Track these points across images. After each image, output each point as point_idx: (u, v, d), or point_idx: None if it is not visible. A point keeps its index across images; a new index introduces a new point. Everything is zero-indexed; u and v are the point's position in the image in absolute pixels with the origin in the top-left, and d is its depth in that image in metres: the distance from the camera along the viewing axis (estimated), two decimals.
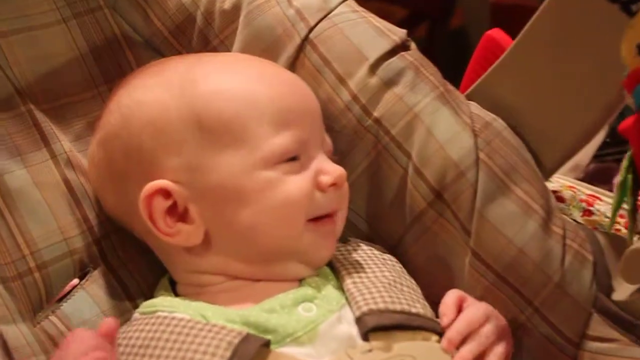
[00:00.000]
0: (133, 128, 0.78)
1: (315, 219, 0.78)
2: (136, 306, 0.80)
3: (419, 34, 2.23)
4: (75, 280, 0.83)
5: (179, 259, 0.79)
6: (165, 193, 0.76)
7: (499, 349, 0.75)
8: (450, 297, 0.78)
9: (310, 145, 0.78)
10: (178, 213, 0.77)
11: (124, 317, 0.80)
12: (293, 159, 0.77)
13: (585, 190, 1.01)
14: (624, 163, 0.68)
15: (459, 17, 2.32)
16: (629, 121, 0.63)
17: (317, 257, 0.78)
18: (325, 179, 0.77)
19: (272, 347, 0.71)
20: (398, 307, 0.75)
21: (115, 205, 0.82)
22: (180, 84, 0.78)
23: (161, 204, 0.76)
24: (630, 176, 0.67)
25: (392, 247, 0.86)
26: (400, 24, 0.89)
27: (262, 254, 0.77)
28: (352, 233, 0.86)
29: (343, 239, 0.84)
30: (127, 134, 0.78)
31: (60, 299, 0.81)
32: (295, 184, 0.76)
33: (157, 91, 0.79)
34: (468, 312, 0.77)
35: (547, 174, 0.87)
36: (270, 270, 0.77)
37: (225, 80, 0.79)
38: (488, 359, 0.74)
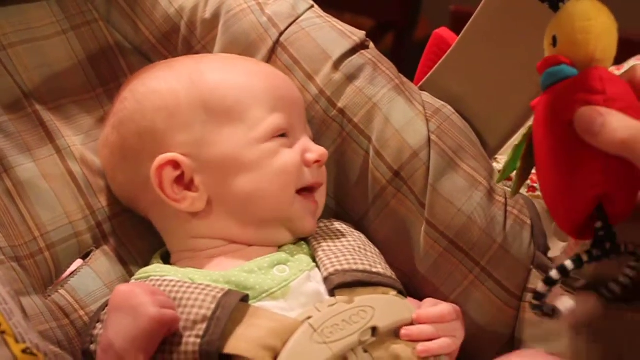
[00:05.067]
0: (147, 112, 0.87)
1: (302, 193, 0.86)
2: None
3: (386, 46, 2.33)
4: (80, 261, 0.89)
5: (182, 225, 0.86)
6: (175, 164, 0.85)
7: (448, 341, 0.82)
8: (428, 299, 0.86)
9: (295, 128, 0.87)
10: (184, 183, 0.85)
11: None
12: (283, 135, 0.86)
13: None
14: (523, 131, 0.72)
15: (424, 29, 2.43)
16: (538, 98, 0.72)
17: (301, 228, 0.87)
18: (311, 156, 0.86)
19: (251, 302, 0.79)
20: (360, 267, 0.83)
21: (125, 182, 0.90)
22: (189, 75, 0.87)
23: (170, 174, 0.85)
24: (524, 144, 0.72)
25: (358, 222, 0.93)
26: (368, 35, 0.96)
27: (258, 219, 0.85)
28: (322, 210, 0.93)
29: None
30: (141, 117, 0.87)
31: (67, 278, 0.87)
32: (289, 155, 0.85)
33: (169, 81, 0.87)
34: (442, 307, 0.84)
35: (491, 153, 0.95)
36: (261, 235, 0.86)
37: (228, 73, 0.88)
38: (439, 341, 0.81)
